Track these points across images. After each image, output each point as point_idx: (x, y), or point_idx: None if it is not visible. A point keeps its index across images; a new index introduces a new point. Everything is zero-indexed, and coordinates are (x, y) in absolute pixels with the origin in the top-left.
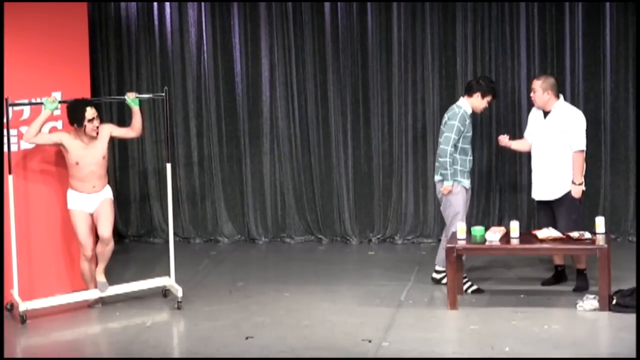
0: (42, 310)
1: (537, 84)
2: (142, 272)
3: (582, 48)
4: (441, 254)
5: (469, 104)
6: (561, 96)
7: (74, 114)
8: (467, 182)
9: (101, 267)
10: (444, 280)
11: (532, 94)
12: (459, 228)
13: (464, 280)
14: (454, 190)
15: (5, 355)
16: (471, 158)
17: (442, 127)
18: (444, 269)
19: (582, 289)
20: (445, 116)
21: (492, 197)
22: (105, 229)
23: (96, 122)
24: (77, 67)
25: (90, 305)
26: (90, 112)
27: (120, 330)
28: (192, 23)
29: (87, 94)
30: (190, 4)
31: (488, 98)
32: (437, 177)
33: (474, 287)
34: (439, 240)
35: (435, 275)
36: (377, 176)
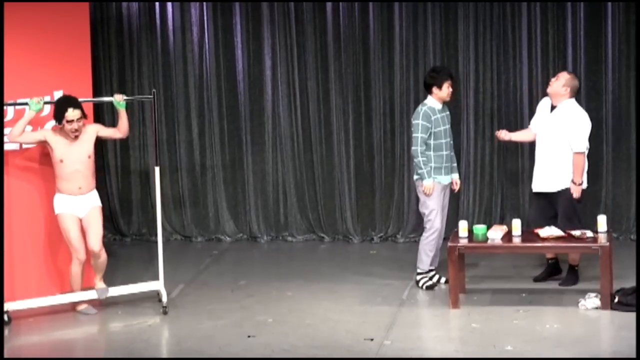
0: (41, 309)
1: (564, 75)
2: (144, 270)
3: (584, 47)
4: (421, 255)
5: (434, 99)
6: (574, 98)
7: (56, 111)
8: (443, 178)
9: (99, 276)
10: (425, 281)
11: (552, 79)
12: (461, 227)
13: (424, 276)
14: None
15: (6, 355)
16: (448, 152)
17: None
18: (423, 270)
19: (569, 284)
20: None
21: (494, 195)
22: (96, 243)
23: (76, 125)
24: (78, 66)
25: (80, 310)
26: (71, 113)
27: (121, 329)
28: (194, 22)
29: (88, 93)
30: (192, 3)
31: (447, 84)
32: (415, 176)
33: (429, 283)
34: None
35: (417, 277)
36: (378, 175)
